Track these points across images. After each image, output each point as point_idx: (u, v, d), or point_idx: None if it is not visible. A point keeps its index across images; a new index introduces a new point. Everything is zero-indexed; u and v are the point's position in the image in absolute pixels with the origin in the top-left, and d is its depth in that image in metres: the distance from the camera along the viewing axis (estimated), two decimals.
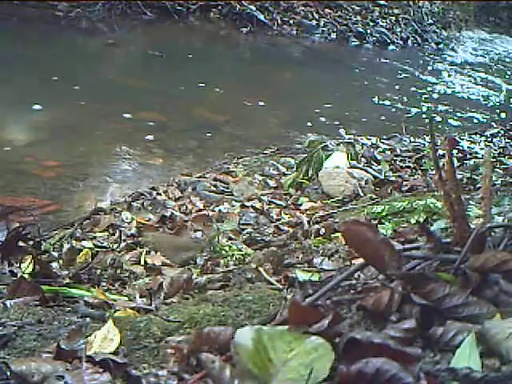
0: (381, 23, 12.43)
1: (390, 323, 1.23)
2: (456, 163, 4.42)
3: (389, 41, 12.07)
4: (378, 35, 12.01)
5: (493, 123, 7.22)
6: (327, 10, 12.26)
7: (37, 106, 5.90)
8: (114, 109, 6.21)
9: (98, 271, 2.76)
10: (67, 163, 4.79)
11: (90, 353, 1.34)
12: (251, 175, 4.47)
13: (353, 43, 11.76)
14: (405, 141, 5.72)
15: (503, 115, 8.06)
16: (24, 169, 4.59)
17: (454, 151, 4.89)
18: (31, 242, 2.70)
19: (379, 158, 4.69)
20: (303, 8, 12.04)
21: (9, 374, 1.25)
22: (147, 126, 5.85)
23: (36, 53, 7.62)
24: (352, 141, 5.08)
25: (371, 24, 12.26)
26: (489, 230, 1.45)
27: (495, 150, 5.33)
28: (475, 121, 7.66)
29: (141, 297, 1.99)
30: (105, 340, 1.45)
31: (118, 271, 2.80)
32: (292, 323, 1.19)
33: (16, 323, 1.61)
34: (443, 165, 1.45)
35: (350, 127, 6.58)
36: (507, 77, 10.75)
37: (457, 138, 5.78)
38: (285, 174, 4.52)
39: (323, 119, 6.87)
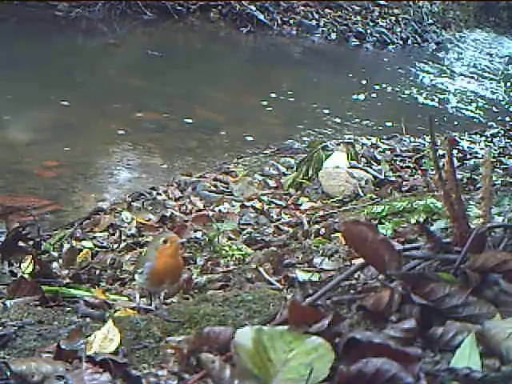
0: (381, 23, 12.43)
1: (390, 323, 1.23)
2: (456, 163, 4.42)
3: (389, 41, 12.07)
4: (377, 35, 12.01)
5: (493, 123, 7.21)
6: (327, 10, 12.26)
7: (36, 106, 5.90)
8: (114, 109, 6.21)
9: (98, 271, 2.76)
10: (67, 163, 4.79)
11: (90, 353, 1.34)
12: (251, 175, 4.47)
13: (353, 43, 11.76)
14: (405, 141, 5.72)
15: (503, 115, 8.06)
16: (24, 169, 4.59)
17: (454, 151, 4.89)
18: (31, 242, 2.69)
19: (379, 157, 4.69)
20: (303, 8, 12.04)
21: (9, 374, 1.25)
22: (147, 126, 5.85)
23: (36, 53, 7.61)
24: (352, 141, 5.08)
25: (371, 24, 12.26)
26: (489, 229, 1.45)
27: (495, 150, 5.32)
28: (475, 121, 7.66)
29: (141, 297, 1.99)
30: (105, 340, 1.45)
31: (118, 271, 2.80)
32: (292, 323, 1.19)
33: (16, 323, 1.61)
34: (443, 165, 1.45)
35: (350, 127, 6.58)
36: (507, 77, 10.74)
37: (457, 138, 5.77)
38: (285, 174, 4.51)
39: (323, 119, 6.86)
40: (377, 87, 8.63)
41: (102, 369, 1.25)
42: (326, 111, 7.18)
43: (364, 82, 8.78)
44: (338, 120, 6.85)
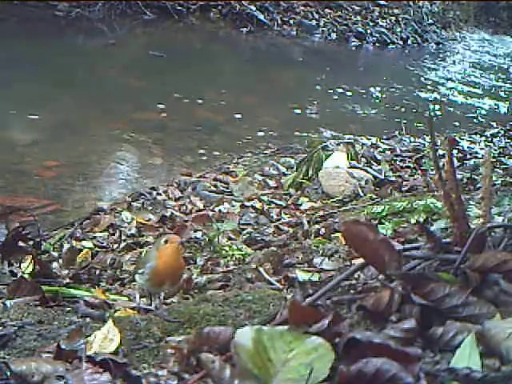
0: (381, 23, 12.43)
1: (390, 323, 1.23)
2: (456, 163, 4.42)
3: (389, 41, 12.07)
4: (377, 35, 12.01)
5: (493, 123, 7.21)
6: (327, 10, 12.26)
7: (37, 106, 5.90)
8: (114, 109, 6.21)
9: (98, 271, 2.76)
10: (67, 163, 4.79)
11: (90, 353, 1.34)
12: (251, 175, 4.47)
13: (353, 43, 11.75)
14: (405, 141, 5.72)
15: (503, 115, 8.06)
16: (24, 169, 4.59)
17: (454, 151, 4.89)
18: (31, 242, 2.69)
19: (379, 157, 4.69)
20: (303, 8, 12.04)
21: (9, 374, 1.25)
22: (147, 126, 5.85)
23: (36, 53, 7.61)
24: (352, 141, 5.08)
25: (371, 24, 12.26)
26: (489, 229, 1.45)
27: (495, 150, 5.32)
28: (475, 121, 7.66)
29: (141, 297, 1.99)
30: (105, 340, 1.45)
31: (118, 271, 2.80)
32: (292, 323, 1.19)
33: (16, 323, 1.61)
34: (443, 165, 1.45)
35: (350, 127, 6.58)
36: (507, 77, 10.74)
37: (457, 137, 5.77)
38: (285, 174, 4.52)
39: (323, 119, 6.86)
40: (376, 87, 8.62)
41: (102, 369, 1.25)
42: (326, 111, 7.20)
43: (364, 81, 8.77)
44: (338, 120, 6.85)
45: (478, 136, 6.13)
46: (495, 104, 8.63)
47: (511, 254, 1.33)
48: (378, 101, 7.98)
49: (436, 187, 3.21)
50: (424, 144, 5.50)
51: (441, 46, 12.85)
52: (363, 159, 4.56)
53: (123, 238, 3.26)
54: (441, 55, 12.07)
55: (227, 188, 4.21)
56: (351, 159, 4.36)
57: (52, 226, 3.67)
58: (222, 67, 8.86)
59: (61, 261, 2.91)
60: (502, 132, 6.41)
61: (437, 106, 8.04)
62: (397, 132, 6.05)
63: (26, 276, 2.25)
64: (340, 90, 8.14)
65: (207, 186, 4.19)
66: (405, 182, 4.07)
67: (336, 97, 7.90)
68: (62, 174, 4.58)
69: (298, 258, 2.55)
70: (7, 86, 6.21)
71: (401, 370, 1.02)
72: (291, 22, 11.70)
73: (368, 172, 4.22)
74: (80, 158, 4.95)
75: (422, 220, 2.67)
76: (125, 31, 10.23)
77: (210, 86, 7.45)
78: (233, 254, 2.80)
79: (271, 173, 4.56)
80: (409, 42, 12.44)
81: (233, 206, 3.79)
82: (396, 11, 13.04)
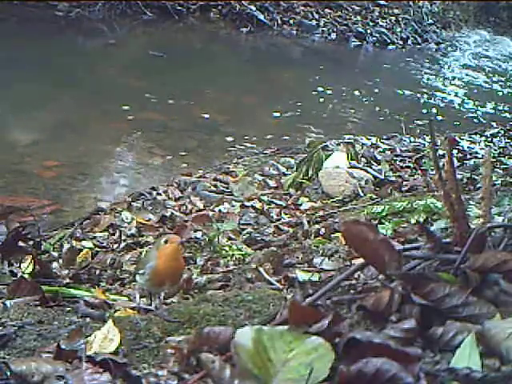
0: (381, 23, 12.42)
1: (390, 323, 1.23)
2: (456, 163, 4.42)
3: (389, 41, 12.06)
4: (377, 35, 12.00)
5: (493, 123, 7.21)
6: (327, 10, 12.25)
7: (37, 106, 5.90)
8: (114, 109, 6.21)
9: (98, 271, 2.76)
10: (67, 163, 4.79)
11: (90, 353, 1.34)
12: (251, 175, 4.47)
13: (353, 43, 11.75)
14: (405, 141, 5.72)
15: (503, 115, 8.06)
16: (24, 169, 4.59)
17: (454, 151, 4.89)
18: (31, 242, 2.70)
19: (379, 157, 4.69)
20: (303, 8, 12.03)
21: (9, 374, 1.25)
22: (147, 126, 5.85)
23: (36, 53, 7.61)
24: (352, 141, 5.08)
25: (371, 24, 12.25)
26: (489, 229, 1.45)
27: (495, 150, 5.32)
28: (475, 121, 7.65)
29: (141, 297, 1.99)
30: (105, 340, 1.45)
31: (118, 271, 2.80)
32: (292, 323, 1.19)
33: (16, 323, 1.61)
34: (443, 165, 1.45)
35: (350, 127, 6.57)
36: (506, 77, 10.74)
37: (457, 137, 5.77)
38: (285, 174, 4.52)
39: (323, 119, 6.86)
40: (376, 87, 8.62)
41: (102, 369, 1.25)
42: (326, 111, 7.20)
43: (364, 81, 8.78)
44: (338, 120, 6.85)
45: (478, 136, 6.13)
46: (495, 105, 8.62)
47: (511, 254, 1.33)
48: (377, 101, 7.97)
49: (436, 187, 3.21)
50: (424, 144, 5.50)
51: (441, 45, 12.84)
52: (363, 159, 4.56)
53: (123, 237, 3.27)
54: (441, 55, 12.06)
55: (227, 188, 4.21)
56: (351, 159, 4.36)
57: (52, 226, 3.67)
58: (222, 67, 8.85)
59: (61, 261, 2.91)
60: (502, 132, 6.41)
61: (437, 106, 8.04)
62: (397, 132, 6.05)
63: (26, 276, 2.25)
64: (340, 90, 8.13)
65: (207, 186, 4.19)
66: (405, 182, 4.07)
67: (336, 97, 7.89)
68: (61, 174, 4.58)
69: (298, 258, 2.55)
70: (7, 86, 6.21)
71: (401, 370, 1.02)
72: (291, 21, 11.69)
73: (368, 172, 4.22)
74: (80, 157, 4.95)
75: (422, 220, 2.67)
76: (125, 31, 10.22)
77: (210, 85, 7.44)
78: (233, 254, 2.80)
79: (271, 173, 4.56)
80: (409, 41, 12.42)
81: (233, 206, 3.79)
82: (396, 11, 13.03)
